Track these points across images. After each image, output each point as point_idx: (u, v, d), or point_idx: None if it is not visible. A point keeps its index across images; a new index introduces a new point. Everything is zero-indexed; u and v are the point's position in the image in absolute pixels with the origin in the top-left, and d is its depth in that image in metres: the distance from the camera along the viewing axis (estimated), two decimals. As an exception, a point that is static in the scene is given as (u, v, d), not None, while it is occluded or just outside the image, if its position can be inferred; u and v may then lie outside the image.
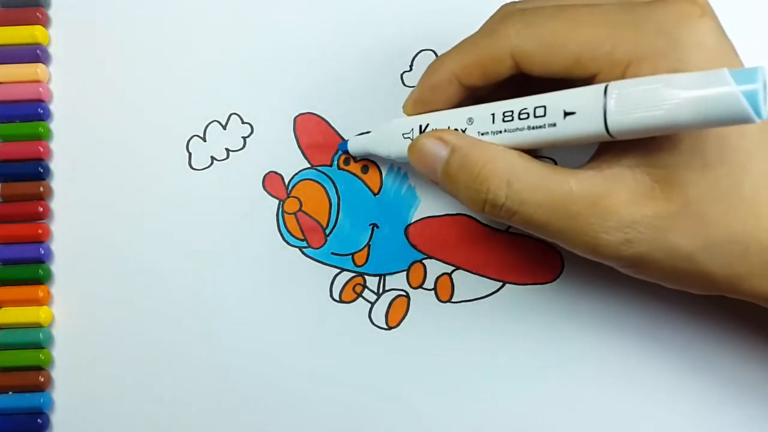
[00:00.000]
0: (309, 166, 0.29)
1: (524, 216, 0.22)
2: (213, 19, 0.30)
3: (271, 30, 0.30)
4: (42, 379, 0.29)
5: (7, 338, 0.29)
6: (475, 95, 0.25)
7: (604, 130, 0.20)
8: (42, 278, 0.29)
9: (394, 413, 0.28)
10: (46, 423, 0.29)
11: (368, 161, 0.29)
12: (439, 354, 0.28)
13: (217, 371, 0.29)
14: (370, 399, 0.28)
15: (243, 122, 0.30)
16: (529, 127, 0.22)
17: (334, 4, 0.30)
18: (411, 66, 0.29)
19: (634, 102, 0.19)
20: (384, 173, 0.29)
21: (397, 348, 0.29)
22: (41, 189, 0.29)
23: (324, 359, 0.29)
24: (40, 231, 0.29)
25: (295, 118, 0.30)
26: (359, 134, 0.29)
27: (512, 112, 0.22)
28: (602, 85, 0.20)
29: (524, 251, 0.29)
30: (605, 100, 0.20)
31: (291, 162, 0.29)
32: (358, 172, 0.29)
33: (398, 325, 0.29)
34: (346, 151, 0.29)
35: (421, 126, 0.25)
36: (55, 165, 0.30)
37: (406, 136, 0.25)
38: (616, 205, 0.21)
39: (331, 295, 0.29)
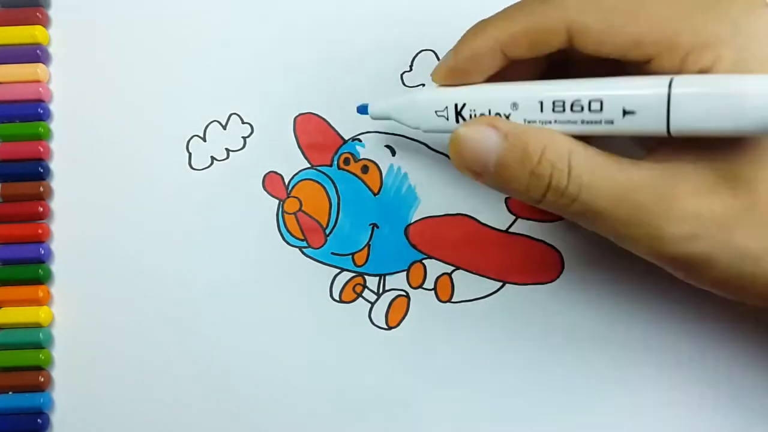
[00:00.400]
0: (309, 166, 0.29)
1: (585, 202, 0.21)
2: (213, 20, 0.30)
3: (271, 30, 0.30)
4: (42, 379, 0.29)
5: (7, 338, 0.29)
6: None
7: (665, 131, 0.19)
8: (42, 278, 0.29)
9: (393, 413, 0.28)
10: (46, 423, 0.29)
11: (368, 161, 0.29)
12: (439, 354, 0.28)
13: (217, 371, 0.29)
14: (370, 399, 0.28)
15: (243, 122, 0.30)
16: (582, 121, 0.20)
17: (334, 4, 0.30)
18: (411, 66, 0.29)
19: (701, 105, 0.18)
20: (384, 173, 0.29)
21: (397, 348, 0.29)
22: (41, 189, 0.29)
23: (324, 359, 0.29)
24: (40, 231, 0.29)
25: (295, 118, 0.30)
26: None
27: (563, 102, 0.21)
28: (665, 83, 0.19)
29: (524, 251, 0.29)
30: (669, 101, 0.19)
31: (291, 162, 0.29)
32: (358, 172, 0.29)
33: (398, 325, 0.29)
34: (364, 112, 0.27)
35: (457, 105, 0.23)
36: (55, 165, 0.30)
37: (439, 113, 0.23)
38: (682, 195, 0.20)
39: (331, 295, 0.29)
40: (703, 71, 0.19)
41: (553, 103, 0.21)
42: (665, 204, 0.20)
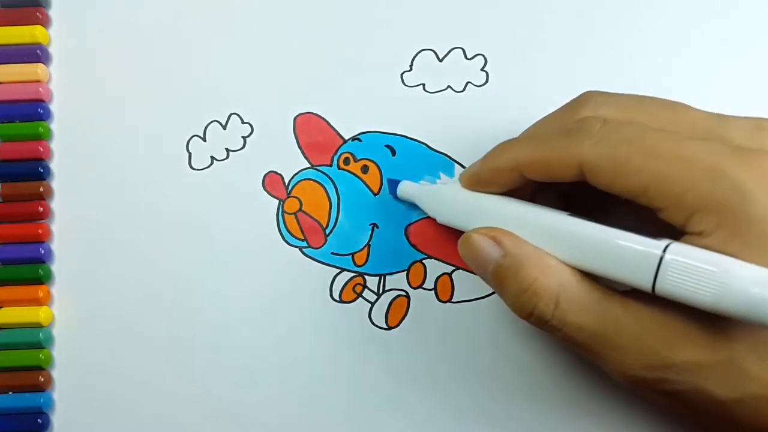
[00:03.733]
0: (309, 166, 0.29)
1: (567, 335, 0.22)
2: (213, 19, 0.30)
3: (271, 30, 0.30)
4: (42, 379, 0.29)
5: (7, 338, 0.29)
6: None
7: (650, 288, 0.20)
8: (42, 278, 0.29)
9: (393, 413, 0.28)
10: (46, 423, 0.29)
11: (368, 160, 0.29)
12: (439, 354, 0.28)
13: (217, 371, 0.29)
14: (369, 399, 0.28)
15: (243, 122, 0.30)
16: (575, 256, 0.22)
17: (334, 3, 0.30)
18: (411, 66, 0.29)
19: (687, 276, 0.19)
20: (384, 173, 0.29)
21: (397, 348, 0.29)
22: (41, 189, 0.29)
23: (324, 359, 0.29)
24: (40, 231, 0.29)
25: (295, 118, 0.30)
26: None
27: (560, 238, 0.22)
28: (661, 247, 0.20)
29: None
30: (660, 264, 0.19)
31: (291, 162, 0.29)
32: (358, 172, 0.29)
33: (398, 325, 0.29)
34: (393, 192, 0.29)
35: (475, 214, 0.25)
36: (55, 165, 0.30)
37: (459, 211, 0.26)
38: (660, 345, 0.21)
39: (331, 295, 0.29)
40: (703, 234, 0.20)
41: (550, 234, 0.22)
42: (643, 351, 0.21)
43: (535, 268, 0.22)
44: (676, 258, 0.19)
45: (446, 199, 0.26)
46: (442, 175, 0.29)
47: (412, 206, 0.29)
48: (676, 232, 0.21)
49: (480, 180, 0.25)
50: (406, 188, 0.28)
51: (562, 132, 0.22)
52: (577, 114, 0.23)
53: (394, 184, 0.29)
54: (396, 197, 0.29)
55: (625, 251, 0.20)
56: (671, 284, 0.19)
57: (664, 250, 0.20)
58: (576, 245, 0.22)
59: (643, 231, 0.21)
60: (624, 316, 0.21)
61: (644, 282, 0.20)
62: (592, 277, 0.22)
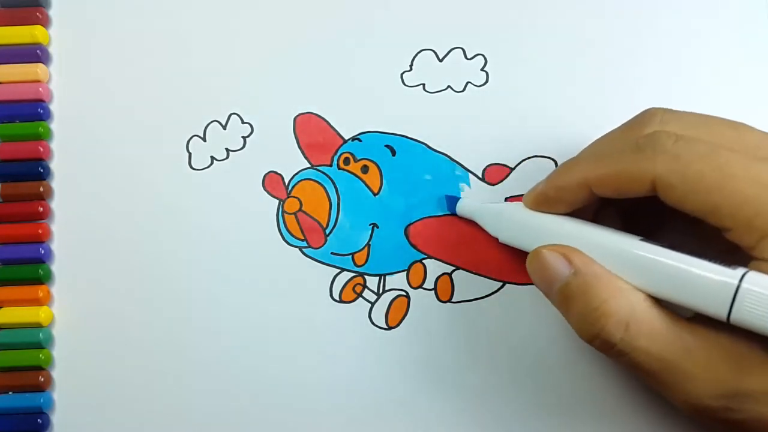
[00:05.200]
0: (309, 166, 0.29)
1: (633, 360, 0.21)
2: (213, 19, 0.30)
3: (271, 30, 0.30)
4: (42, 379, 0.29)
5: (7, 338, 0.29)
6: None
7: (725, 317, 0.20)
8: (42, 278, 0.29)
9: (393, 413, 0.28)
10: (46, 423, 0.29)
11: (368, 160, 0.29)
12: (439, 354, 0.28)
13: (217, 371, 0.29)
14: (369, 399, 0.28)
15: (243, 122, 0.30)
16: (647, 282, 0.21)
17: (334, 3, 0.30)
18: (411, 66, 0.29)
19: (764, 310, 0.19)
20: (384, 173, 0.29)
21: (397, 348, 0.29)
22: (41, 189, 0.29)
23: (324, 359, 0.29)
24: (40, 231, 0.29)
25: (295, 118, 0.30)
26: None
27: (632, 264, 0.22)
28: (737, 276, 0.19)
29: (524, 251, 0.29)
30: (736, 293, 0.19)
31: (291, 162, 0.29)
32: (358, 172, 0.29)
33: (398, 325, 0.29)
34: (452, 209, 0.28)
35: (543, 234, 0.24)
36: (55, 165, 0.30)
37: (524, 231, 0.25)
38: (729, 373, 0.20)
39: (331, 295, 0.29)
40: None
41: (622, 258, 0.22)
42: (713, 379, 0.21)
43: (606, 289, 0.22)
44: (753, 288, 0.19)
45: (510, 219, 0.26)
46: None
47: (413, 206, 0.29)
48: (736, 253, 0.20)
49: (547, 199, 0.24)
50: (467, 206, 0.28)
51: (632, 147, 0.22)
52: (643, 130, 0.23)
53: (453, 201, 0.28)
54: (454, 214, 0.28)
55: (701, 279, 0.20)
56: (747, 314, 0.19)
57: (741, 279, 0.19)
58: (649, 271, 0.21)
59: (711, 256, 0.20)
60: (694, 343, 0.21)
61: (719, 311, 0.20)
62: (660, 303, 0.22)
